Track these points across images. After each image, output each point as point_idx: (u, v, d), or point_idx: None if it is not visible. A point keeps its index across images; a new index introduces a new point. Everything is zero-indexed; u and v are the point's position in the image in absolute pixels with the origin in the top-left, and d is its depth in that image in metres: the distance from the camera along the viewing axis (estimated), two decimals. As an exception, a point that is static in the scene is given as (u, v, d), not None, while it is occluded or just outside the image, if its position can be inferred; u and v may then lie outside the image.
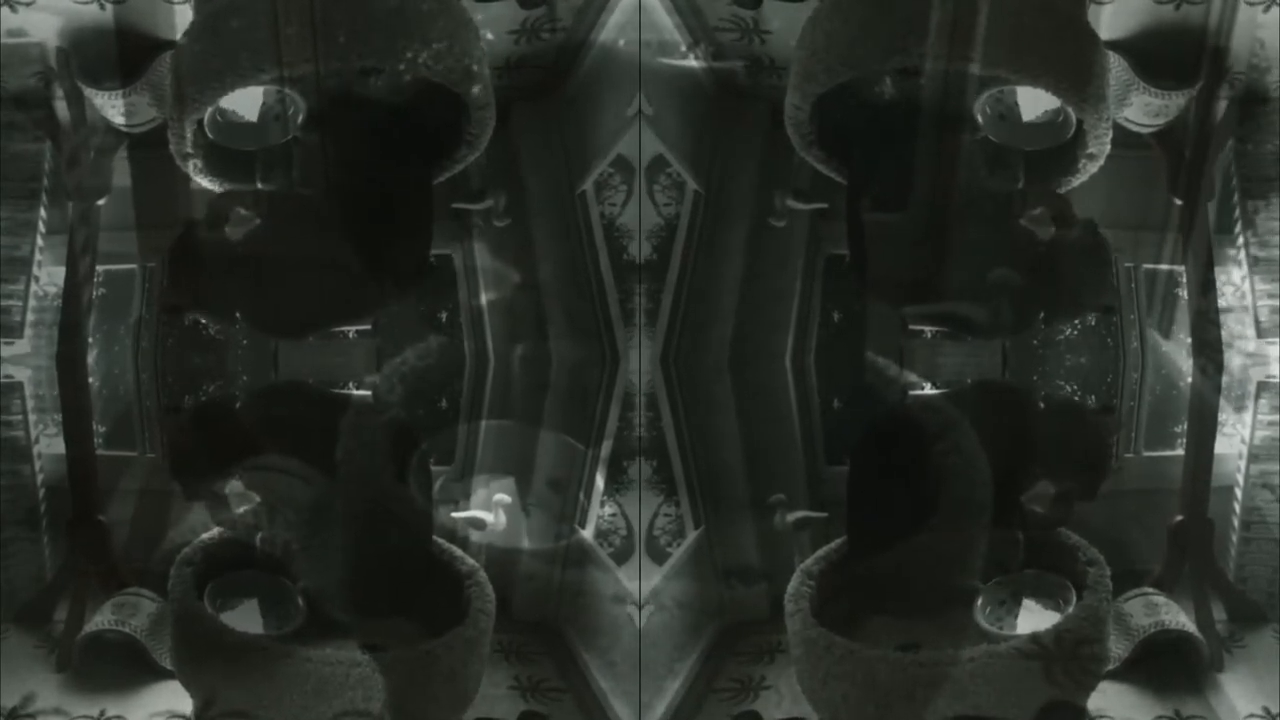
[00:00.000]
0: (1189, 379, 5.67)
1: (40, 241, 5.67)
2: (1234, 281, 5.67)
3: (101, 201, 5.63)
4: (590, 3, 5.46)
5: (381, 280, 5.54)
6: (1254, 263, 5.64)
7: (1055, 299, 5.63)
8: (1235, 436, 5.71)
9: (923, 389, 5.75)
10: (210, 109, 5.24)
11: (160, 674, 5.36)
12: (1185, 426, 5.70)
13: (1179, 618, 5.46)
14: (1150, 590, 5.56)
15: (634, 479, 5.59)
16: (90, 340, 5.67)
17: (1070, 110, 5.24)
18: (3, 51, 5.46)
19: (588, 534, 5.62)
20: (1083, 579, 5.33)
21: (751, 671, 5.55)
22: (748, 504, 5.71)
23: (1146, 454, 5.78)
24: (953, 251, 5.45)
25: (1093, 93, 5.15)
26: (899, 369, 5.73)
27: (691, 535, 5.62)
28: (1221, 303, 5.61)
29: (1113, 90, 5.30)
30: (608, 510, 5.60)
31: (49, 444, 5.73)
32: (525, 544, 5.67)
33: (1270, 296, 5.63)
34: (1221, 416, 5.66)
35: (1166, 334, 5.75)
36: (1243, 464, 5.70)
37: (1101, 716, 5.28)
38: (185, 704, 5.19)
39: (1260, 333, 5.64)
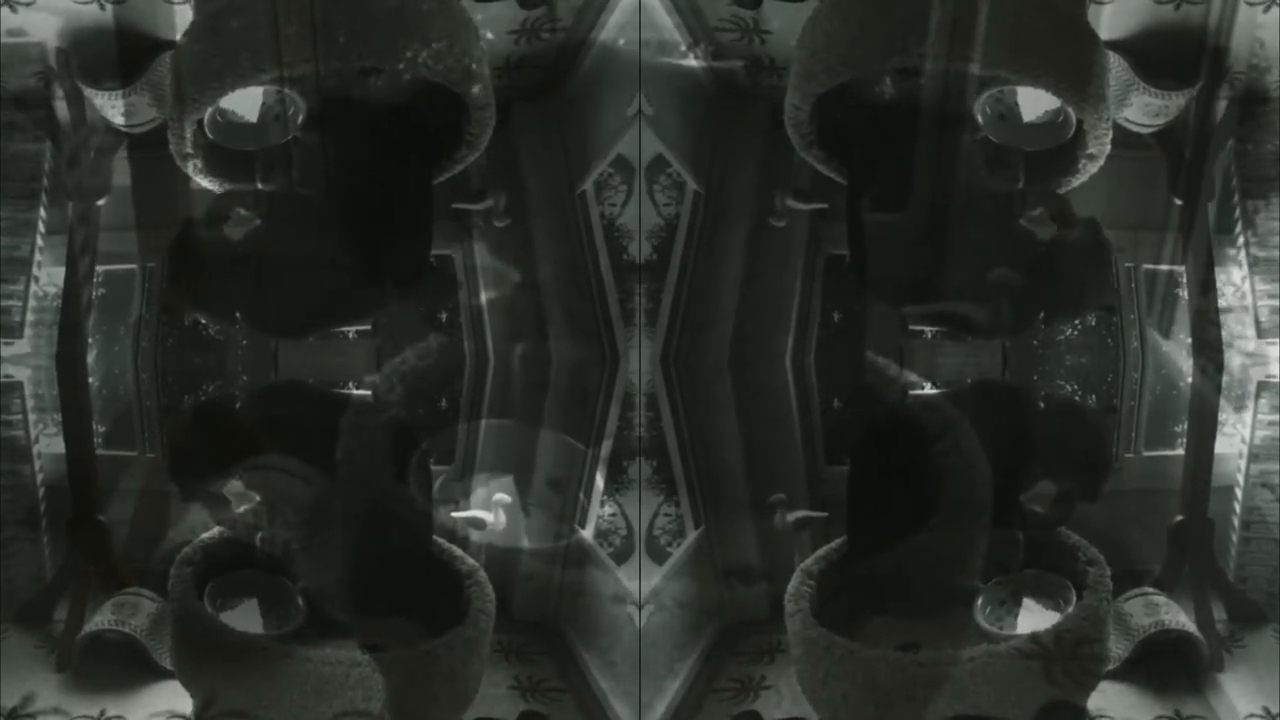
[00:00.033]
0: (1189, 379, 5.67)
1: (40, 241, 5.67)
2: (1234, 281, 5.68)
3: (101, 201, 5.63)
4: (590, 3, 5.46)
5: (381, 280, 5.54)
6: (1254, 263, 5.64)
7: (1055, 299, 5.63)
8: (1235, 436, 5.71)
9: (923, 389, 5.75)
10: (210, 109, 5.24)
11: (160, 674, 5.36)
12: (1185, 426, 5.70)
13: (1179, 618, 5.46)
14: (1150, 590, 5.56)
15: (634, 479, 5.59)
16: (90, 340, 5.67)
17: (1070, 110, 5.24)
18: (3, 51, 5.46)
19: (588, 534, 5.62)
20: (1083, 579, 5.33)
21: (751, 671, 5.55)
22: (748, 504, 5.71)
23: (1146, 454, 5.78)
24: (953, 251, 5.45)
25: (1093, 93, 5.15)
26: (899, 369, 5.73)
27: (691, 535, 5.62)
28: (1221, 303, 5.61)
29: (1113, 90, 5.30)
30: (608, 510, 5.60)
31: (49, 444, 5.73)
32: (525, 544, 5.67)
33: (1270, 296, 5.63)
34: (1221, 416, 5.66)
35: (1166, 334, 5.75)
36: (1243, 464, 5.70)
37: (1101, 716, 5.28)
38: (185, 704, 5.19)
39: (1260, 333, 5.64)
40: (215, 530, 5.47)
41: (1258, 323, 5.64)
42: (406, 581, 5.51)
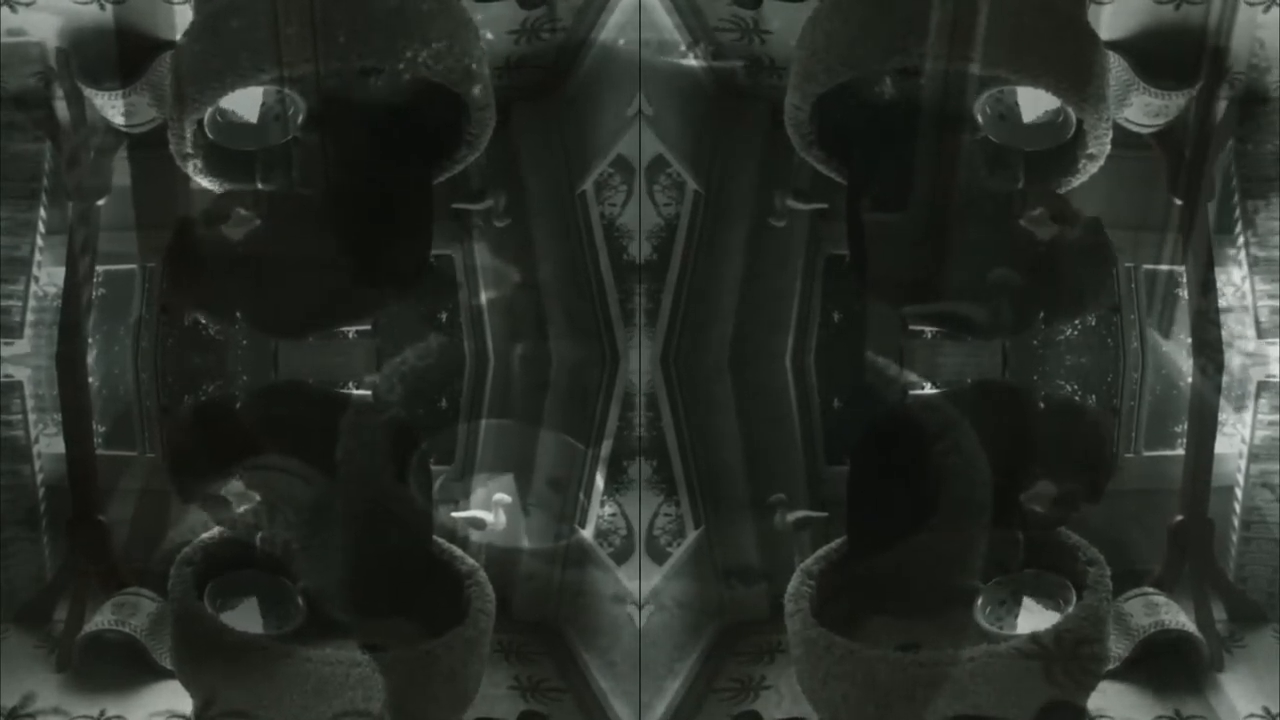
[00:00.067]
0: (1189, 379, 5.67)
1: (40, 241, 5.67)
2: (1234, 281, 5.67)
3: (101, 201, 5.63)
4: (590, 3, 5.46)
5: (381, 280, 5.54)
6: (1254, 263, 5.64)
7: (1055, 299, 5.63)
8: (1235, 436, 5.71)
9: (923, 389, 5.75)
10: (210, 109, 5.24)
11: (160, 674, 5.36)
12: (1185, 426, 5.70)
13: (1179, 618, 5.46)
14: (1150, 590, 5.56)
15: (634, 479, 5.59)
16: (90, 340, 5.67)
17: (1070, 110, 5.24)
18: (3, 51, 5.46)
19: (588, 534, 5.62)
20: (1083, 579, 5.33)
21: (751, 671, 5.55)
22: (748, 504, 5.71)
23: (1146, 454, 5.78)
24: (953, 251, 5.45)
25: (1093, 93, 5.15)
26: (899, 369, 5.73)
27: (691, 535, 5.62)
28: (1221, 303, 5.61)
29: (1113, 90, 5.30)
30: (608, 510, 5.60)
31: (49, 444, 5.73)
32: (525, 544, 5.67)
33: (1270, 296, 5.63)
34: (1221, 416, 5.66)
35: (1166, 334, 5.75)
36: (1243, 464, 5.70)
37: (1101, 716, 5.28)
38: (185, 704, 5.19)
39: (1260, 333, 5.64)
40: (215, 530, 5.47)
41: (1258, 323, 5.64)
42: (406, 581, 5.51)
